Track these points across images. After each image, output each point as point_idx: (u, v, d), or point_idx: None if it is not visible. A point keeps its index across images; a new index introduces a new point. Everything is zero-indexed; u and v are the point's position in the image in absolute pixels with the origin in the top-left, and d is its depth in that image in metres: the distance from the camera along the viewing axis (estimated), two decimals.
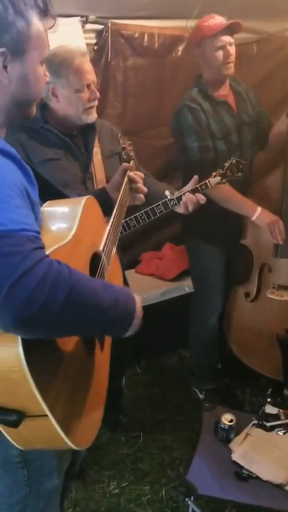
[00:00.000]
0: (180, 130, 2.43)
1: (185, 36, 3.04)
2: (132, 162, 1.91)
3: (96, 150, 2.09)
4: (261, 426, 2.03)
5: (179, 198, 2.00)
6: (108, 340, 1.45)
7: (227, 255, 2.67)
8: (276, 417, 2.05)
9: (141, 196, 1.87)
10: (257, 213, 2.41)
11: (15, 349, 0.96)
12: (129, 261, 3.40)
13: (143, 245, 3.49)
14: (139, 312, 1.20)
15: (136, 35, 2.88)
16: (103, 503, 2.24)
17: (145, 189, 1.87)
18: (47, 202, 1.32)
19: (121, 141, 1.98)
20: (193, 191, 2.04)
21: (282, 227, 2.42)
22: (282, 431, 1.97)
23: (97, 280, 1.15)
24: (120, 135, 2.05)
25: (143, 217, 1.99)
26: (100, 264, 1.38)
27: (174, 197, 1.99)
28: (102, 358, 1.37)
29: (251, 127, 2.56)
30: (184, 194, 1.99)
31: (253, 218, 2.42)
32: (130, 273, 3.37)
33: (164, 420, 2.74)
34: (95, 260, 1.36)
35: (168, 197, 1.99)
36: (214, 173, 2.10)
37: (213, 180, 2.08)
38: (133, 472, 2.41)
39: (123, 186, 1.76)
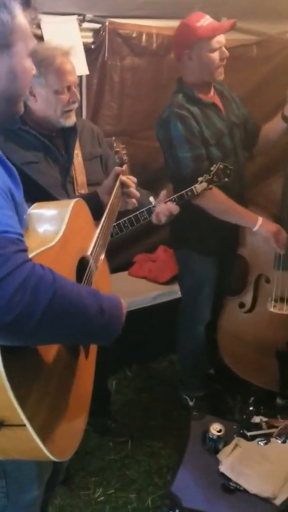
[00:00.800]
0: (169, 140, 2.28)
1: None
2: (125, 166, 1.87)
3: (77, 152, 2.02)
4: (242, 435, 1.98)
5: (148, 210, 1.94)
6: (93, 348, 1.41)
7: (219, 265, 2.58)
8: (258, 426, 2.00)
9: (133, 200, 1.84)
10: (259, 224, 2.32)
11: None
12: (122, 263, 3.37)
13: (137, 247, 3.45)
14: (124, 316, 1.18)
15: (134, 34, 2.84)
16: (88, 510, 2.21)
17: (137, 194, 1.84)
18: (35, 204, 1.29)
19: (115, 145, 1.93)
20: (179, 198, 1.99)
21: (284, 237, 2.36)
22: (263, 441, 1.92)
23: (83, 287, 1.11)
24: (113, 138, 1.99)
25: (126, 224, 1.95)
26: (88, 269, 1.34)
27: (153, 204, 1.95)
28: (87, 366, 1.34)
29: (240, 128, 2.47)
30: (155, 205, 1.94)
31: (255, 229, 2.33)
32: (122, 275, 3.35)
33: (153, 426, 2.71)
34: (83, 265, 1.32)
35: (153, 203, 1.95)
36: (200, 179, 2.03)
37: (199, 186, 2.01)
38: (119, 479, 2.37)
39: (115, 190, 1.72)
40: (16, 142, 1.88)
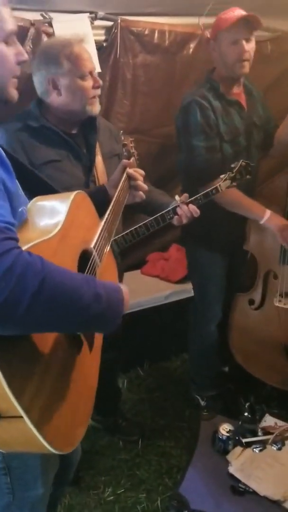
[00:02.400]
0: (186, 127, 2.29)
1: (197, 33, 2.96)
2: (132, 159, 1.85)
3: (97, 151, 2.01)
4: (238, 441, 1.94)
5: (174, 210, 1.92)
6: (98, 340, 1.38)
7: (229, 262, 2.58)
8: (253, 432, 1.96)
9: (141, 193, 1.82)
10: (266, 217, 2.30)
11: None
12: (134, 262, 3.36)
13: (150, 246, 3.44)
14: (127, 305, 1.15)
15: (146, 32, 2.81)
16: (98, 510, 2.20)
17: (145, 187, 1.82)
18: (36, 198, 1.28)
19: (123, 138, 1.91)
20: (204, 196, 1.98)
21: None
22: (258, 448, 1.88)
23: (77, 274, 1.08)
24: (121, 132, 1.97)
25: (152, 224, 1.92)
26: (90, 261, 1.31)
27: (178, 204, 1.93)
28: (91, 358, 1.31)
29: (260, 129, 2.46)
30: (179, 206, 1.91)
31: (262, 221, 2.31)
32: (135, 274, 3.35)
33: (165, 426, 2.69)
34: (86, 258, 1.30)
35: (178, 202, 1.92)
36: (223, 176, 2.03)
37: (223, 184, 2.02)
38: (129, 478, 2.36)
39: (121, 183, 1.71)
40: (39, 140, 1.87)
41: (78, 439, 1.20)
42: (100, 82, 1.92)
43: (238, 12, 2.20)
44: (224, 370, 2.94)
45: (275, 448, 1.73)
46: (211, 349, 2.71)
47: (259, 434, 1.95)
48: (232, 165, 2.06)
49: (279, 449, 1.72)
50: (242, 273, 2.70)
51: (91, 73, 1.88)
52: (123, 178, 1.72)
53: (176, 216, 1.92)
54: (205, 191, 1.98)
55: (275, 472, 1.89)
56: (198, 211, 1.94)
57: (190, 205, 1.93)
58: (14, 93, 1.15)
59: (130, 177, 1.76)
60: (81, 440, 1.21)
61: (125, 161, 1.79)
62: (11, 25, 1.08)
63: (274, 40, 3.16)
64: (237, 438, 1.91)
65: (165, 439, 2.59)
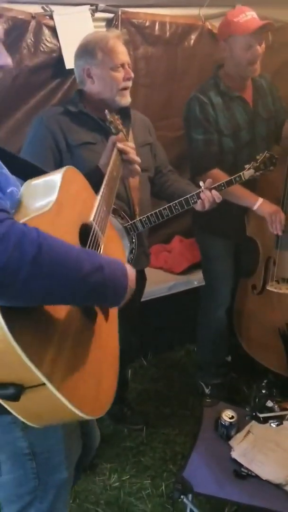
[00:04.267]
0: (187, 120, 2.43)
1: (198, 24, 2.99)
2: (120, 134, 1.90)
3: (130, 139, 2.10)
4: (254, 417, 2.00)
5: (198, 194, 2.04)
6: (113, 310, 1.36)
7: (236, 248, 2.66)
8: (270, 409, 2.03)
9: (136, 167, 1.85)
10: (258, 203, 2.37)
11: None
12: None
13: (152, 238, 3.44)
14: (132, 282, 1.15)
15: (147, 23, 2.83)
16: (103, 496, 2.24)
17: (137, 159, 1.84)
18: (28, 180, 1.27)
19: (108, 116, 1.91)
20: (228, 183, 2.09)
21: (282, 218, 2.39)
22: (276, 423, 1.94)
23: (76, 246, 1.07)
24: (106, 110, 1.94)
25: (176, 207, 2.07)
26: (92, 233, 1.30)
27: (202, 189, 2.04)
28: (108, 327, 1.30)
29: (269, 122, 2.51)
30: (202, 191, 2.03)
31: (255, 207, 2.39)
32: None
33: (169, 414, 2.73)
34: (86, 231, 1.28)
35: (202, 187, 2.04)
36: (247, 166, 2.14)
37: (247, 172, 2.13)
38: (134, 465, 2.40)
39: (113, 157, 1.75)
40: (77, 123, 2.02)
41: (108, 403, 1.18)
42: (132, 74, 2.04)
43: (250, 15, 2.26)
44: (227, 359, 2.97)
45: None
46: (219, 335, 2.77)
47: (276, 410, 2.02)
48: (257, 156, 2.16)
49: None
50: (248, 259, 2.73)
51: (123, 65, 2.00)
52: (114, 153, 1.76)
53: (199, 200, 2.04)
54: (228, 179, 2.10)
55: (277, 457, 1.92)
56: (220, 196, 2.06)
57: (213, 191, 2.05)
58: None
59: (121, 152, 1.80)
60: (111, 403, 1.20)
61: (113, 137, 1.84)
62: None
63: (276, 30, 3.15)
64: (254, 414, 1.99)
65: (169, 427, 2.63)
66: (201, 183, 2.05)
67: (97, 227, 1.33)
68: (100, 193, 1.48)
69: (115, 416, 2.66)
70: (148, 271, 3.34)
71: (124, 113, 2.08)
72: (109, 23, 2.72)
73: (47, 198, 1.16)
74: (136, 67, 2.92)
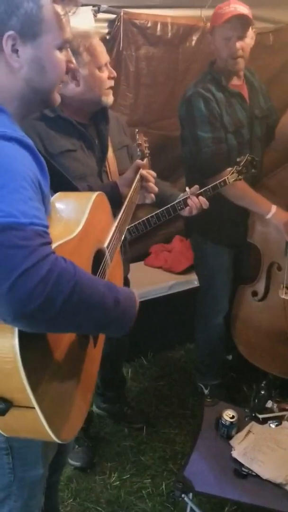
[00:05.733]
0: (191, 118, 2.29)
1: (200, 25, 2.99)
2: (145, 160, 1.89)
3: (108, 142, 2.06)
4: (254, 418, 2.01)
5: (185, 201, 1.97)
6: (102, 337, 1.45)
7: (234, 254, 2.61)
8: (269, 410, 2.04)
9: (152, 195, 1.86)
10: (272, 211, 2.33)
11: (11, 340, 0.97)
12: (138, 253, 3.39)
13: (153, 238, 3.47)
14: (137, 308, 1.22)
15: (149, 24, 2.84)
16: (104, 494, 2.25)
17: (156, 189, 1.86)
18: (58, 194, 1.32)
19: (137, 137, 1.95)
20: (213, 188, 2.02)
21: None
22: (275, 423, 1.96)
23: (101, 280, 1.15)
24: (137, 130, 2.00)
25: (163, 214, 1.97)
26: (103, 262, 1.38)
27: (188, 195, 1.98)
28: (94, 353, 1.38)
29: (262, 122, 2.46)
30: (189, 197, 1.97)
31: (268, 216, 2.34)
32: (139, 265, 3.38)
33: (169, 414, 2.74)
34: (99, 257, 1.36)
35: (188, 193, 1.97)
36: (230, 170, 2.09)
37: (231, 177, 2.08)
38: (135, 464, 2.41)
39: (135, 183, 1.75)
40: (55, 130, 1.91)
41: (78, 429, 1.26)
42: (115, 73, 1.97)
43: (233, 8, 2.17)
44: (227, 358, 2.97)
45: None
46: (217, 340, 2.74)
47: (275, 410, 2.03)
48: (238, 159, 2.11)
49: None
50: (246, 266, 2.72)
51: (106, 64, 1.94)
52: (136, 179, 1.76)
53: (186, 207, 1.97)
54: (213, 184, 2.03)
55: (277, 456, 1.93)
56: (207, 202, 1.99)
57: (200, 197, 1.98)
58: (57, 98, 1.19)
59: (142, 178, 1.80)
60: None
61: (139, 161, 1.83)
62: (68, 33, 1.12)
63: (277, 31, 3.19)
64: (253, 415, 2.00)
65: (169, 426, 2.64)
66: (187, 189, 1.99)
67: (108, 256, 1.41)
68: (118, 219, 1.52)
69: (115, 415, 2.67)
70: (148, 270, 3.38)
71: (101, 114, 2.01)
72: (111, 24, 2.73)
73: (75, 219, 1.24)
74: (137, 67, 2.94)
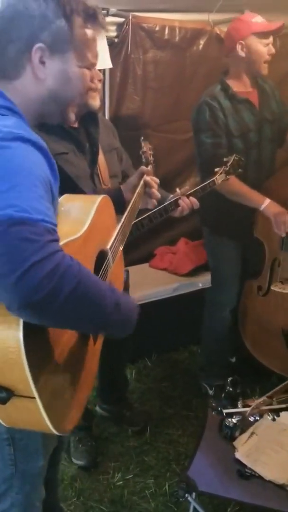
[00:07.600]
0: (197, 124, 2.49)
1: (207, 29, 3.02)
2: (150, 167, 1.93)
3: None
4: (218, 412, 2.10)
5: (176, 202, 1.99)
6: (101, 335, 1.47)
7: (243, 249, 2.70)
8: (234, 405, 2.12)
9: (154, 201, 1.91)
10: (265, 204, 2.43)
11: (16, 331, 1.01)
12: (143, 255, 3.41)
13: (158, 240, 3.49)
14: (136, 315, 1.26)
15: (157, 28, 2.87)
16: (107, 494, 2.26)
17: (158, 195, 1.90)
18: (65, 196, 1.37)
19: (143, 144, 1.99)
20: (202, 189, 2.07)
21: (287, 220, 2.42)
22: (237, 419, 2.01)
23: (104, 283, 1.18)
24: (142, 138, 2.04)
25: (156, 216, 1.98)
26: (105, 263, 1.42)
27: (179, 196, 2.01)
28: (94, 349, 1.41)
29: (273, 125, 2.58)
30: (180, 198, 2.00)
31: (261, 208, 2.45)
32: (143, 267, 3.39)
33: (172, 415, 2.75)
34: (101, 257, 1.40)
35: (179, 194, 2.01)
36: (218, 170, 2.17)
37: (219, 177, 2.15)
38: (138, 464, 2.42)
39: (138, 189, 1.79)
40: (46, 133, 1.86)
41: (75, 423, 1.28)
42: (101, 76, 1.96)
43: (260, 19, 2.41)
44: (231, 361, 2.98)
45: (252, 420, 2.04)
46: (223, 335, 2.80)
47: (239, 406, 2.12)
48: (225, 159, 2.22)
49: (256, 420, 2.03)
50: (255, 260, 2.76)
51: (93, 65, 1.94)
52: (140, 185, 1.80)
53: (178, 208, 2.01)
54: (203, 184, 2.11)
55: (280, 458, 1.94)
56: (198, 203, 2.04)
57: (191, 198, 2.03)
58: (72, 116, 1.25)
59: (146, 184, 1.84)
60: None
61: (144, 168, 1.87)
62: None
63: (283, 36, 3.18)
64: (219, 409, 2.09)
65: (172, 427, 2.65)
66: (177, 190, 2.03)
67: (111, 257, 1.44)
68: (121, 223, 1.56)
69: (115, 417, 2.68)
70: (153, 272, 3.39)
71: (90, 118, 2.00)
72: (119, 27, 2.76)
73: (80, 220, 1.29)
74: (145, 70, 2.96)
